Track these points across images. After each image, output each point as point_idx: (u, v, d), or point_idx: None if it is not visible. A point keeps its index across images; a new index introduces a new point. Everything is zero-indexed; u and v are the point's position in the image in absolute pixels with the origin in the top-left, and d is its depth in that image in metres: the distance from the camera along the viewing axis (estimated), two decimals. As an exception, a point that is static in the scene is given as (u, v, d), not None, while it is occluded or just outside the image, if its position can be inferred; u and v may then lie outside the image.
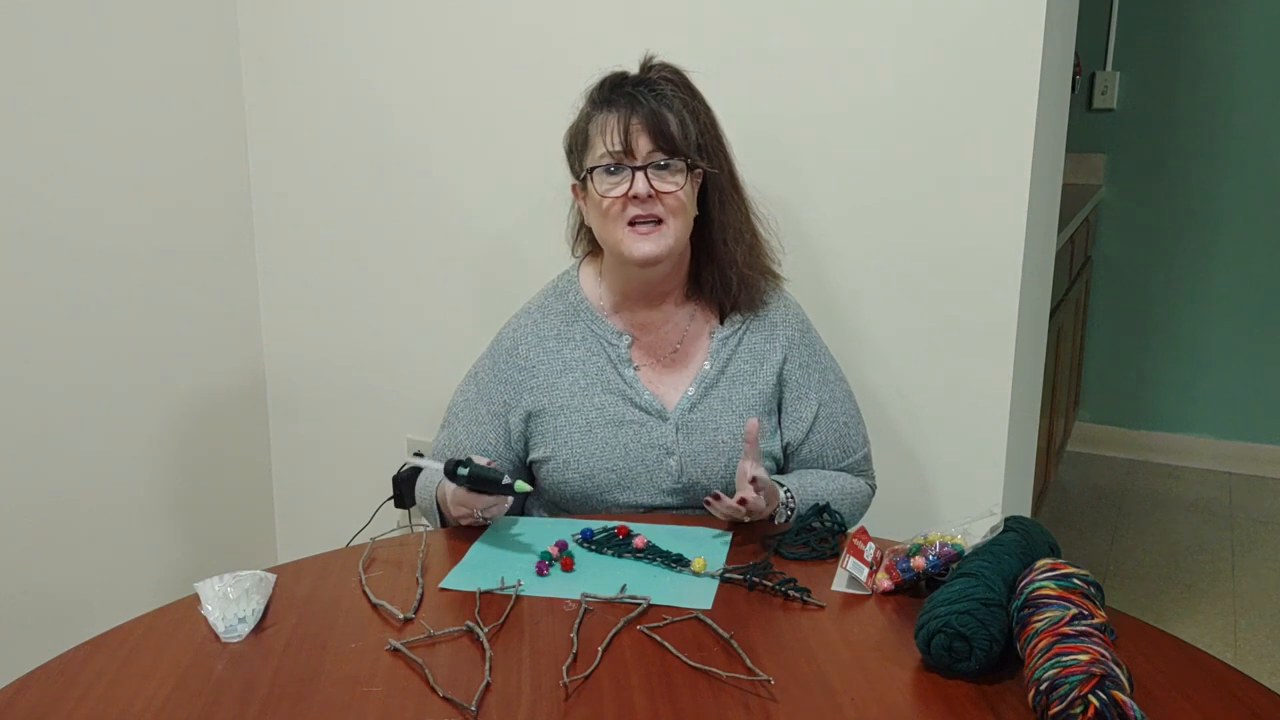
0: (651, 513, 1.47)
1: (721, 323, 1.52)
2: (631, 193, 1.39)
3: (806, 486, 1.46)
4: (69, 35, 1.85)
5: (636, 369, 1.49)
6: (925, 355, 1.78)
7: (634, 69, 1.47)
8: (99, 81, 1.91)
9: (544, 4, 1.91)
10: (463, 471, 1.29)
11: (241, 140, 2.20)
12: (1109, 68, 3.55)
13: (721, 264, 1.48)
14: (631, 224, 1.40)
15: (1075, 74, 3.47)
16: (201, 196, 2.13)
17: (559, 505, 1.51)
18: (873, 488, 1.60)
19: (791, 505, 1.42)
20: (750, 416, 1.46)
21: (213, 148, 2.15)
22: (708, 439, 1.46)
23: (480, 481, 1.29)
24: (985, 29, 1.64)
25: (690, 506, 1.47)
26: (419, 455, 1.37)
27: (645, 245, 1.40)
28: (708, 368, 1.49)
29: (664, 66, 1.47)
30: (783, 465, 1.54)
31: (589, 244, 1.56)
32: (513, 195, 2.02)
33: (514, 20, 1.94)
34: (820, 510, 1.38)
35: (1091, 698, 0.91)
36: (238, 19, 2.15)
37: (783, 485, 1.43)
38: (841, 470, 1.55)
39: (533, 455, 1.50)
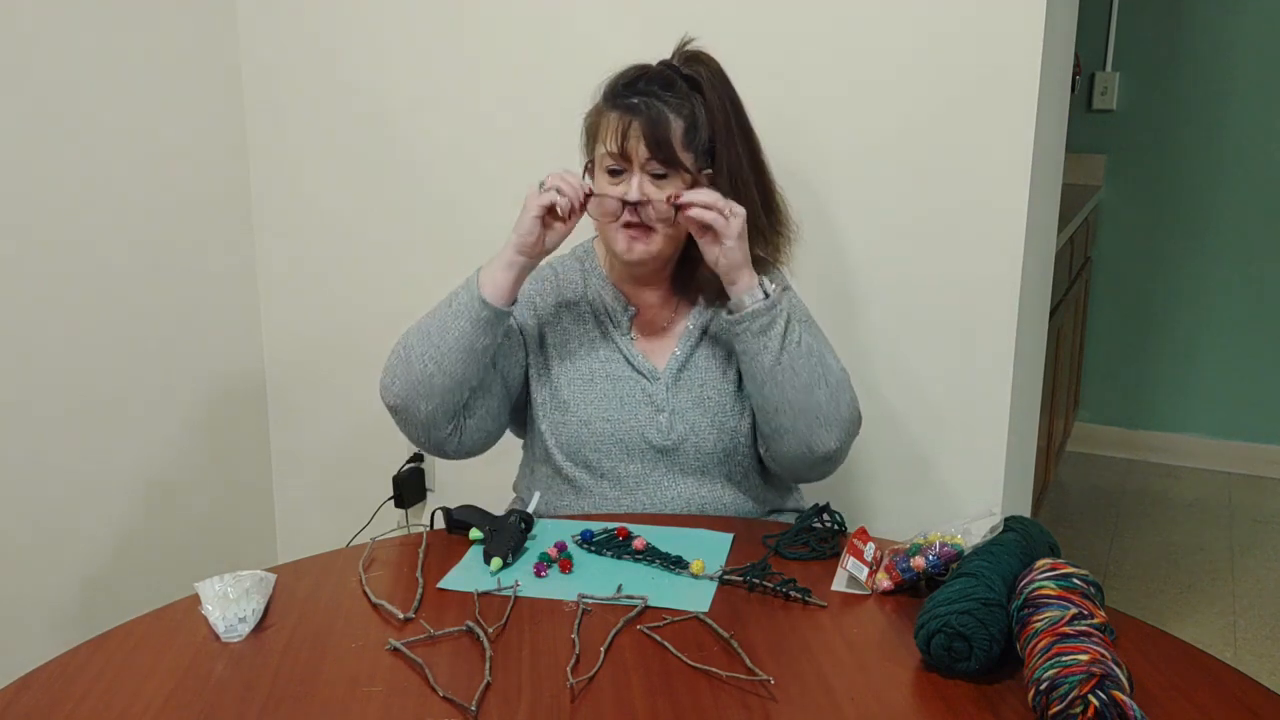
0: (644, 477, 1.48)
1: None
2: (625, 198, 1.42)
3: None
4: (69, 28, 1.85)
5: (633, 338, 1.54)
6: (925, 355, 1.78)
7: (664, 53, 1.48)
8: (96, 71, 1.91)
9: None
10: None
11: (241, 138, 2.20)
12: (1109, 68, 3.55)
13: (693, 261, 1.50)
14: (624, 225, 1.44)
15: (1075, 74, 3.47)
16: (200, 197, 2.13)
17: (552, 457, 1.52)
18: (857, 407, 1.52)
19: (772, 285, 1.42)
20: (731, 373, 1.50)
21: (211, 145, 2.14)
22: (694, 395, 1.50)
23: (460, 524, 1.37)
24: (985, 29, 1.64)
25: (680, 465, 1.48)
26: None
27: (635, 247, 1.44)
28: (690, 327, 1.53)
29: (693, 56, 1.47)
30: None
31: None
32: (517, 192, 2.02)
33: (514, 10, 1.94)
34: (820, 510, 1.38)
35: (1091, 697, 0.91)
36: (236, 9, 2.15)
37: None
38: None
39: (535, 382, 1.53)
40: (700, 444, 1.49)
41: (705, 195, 1.38)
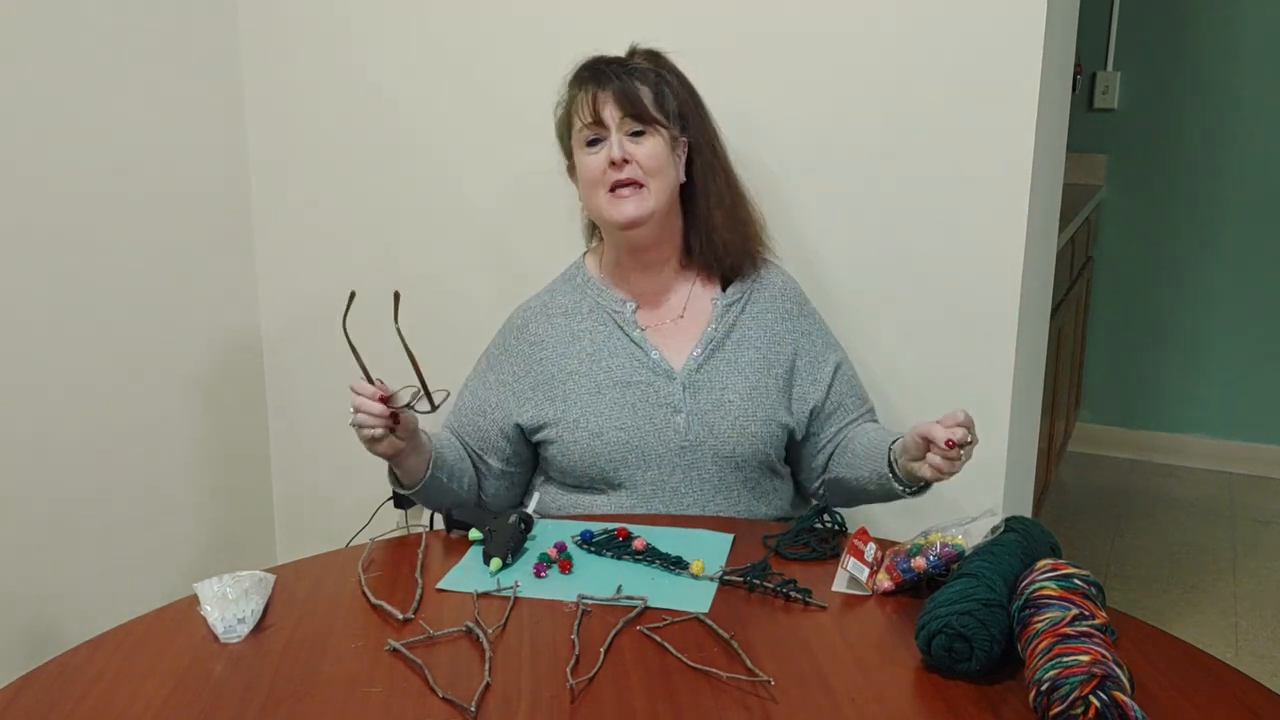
0: (661, 483, 1.48)
1: (724, 290, 1.56)
2: (609, 159, 1.44)
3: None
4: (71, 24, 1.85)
5: (643, 330, 1.52)
6: (926, 355, 1.78)
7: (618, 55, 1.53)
8: (94, 49, 1.91)
9: None
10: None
11: (240, 129, 2.19)
12: (1109, 68, 3.54)
13: (705, 228, 1.53)
14: (612, 190, 1.45)
15: (1076, 74, 3.46)
16: (198, 187, 2.13)
17: (568, 479, 1.51)
18: None
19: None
20: (754, 379, 1.50)
21: (210, 135, 2.14)
22: (714, 398, 1.48)
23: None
24: (986, 29, 1.64)
25: (697, 469, 1.48)
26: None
27: (626, 207, 1.45)
28: (713, 329, 1.52)
29: (645, 52, 1.54)
30: (807, 429, 1.56)
31: (599, 234, 1.60)
32: (521, 196, 2.02)
33: (513, 8, 1.94)
34: (820, 510, 1.38)
35: (1092, 698, 0.91)
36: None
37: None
38: (861, 418, 1.58)
39: (543, 419, 1.51)
40: (719, 448, 1.47)
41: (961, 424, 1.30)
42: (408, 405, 1.34)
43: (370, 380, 1.34)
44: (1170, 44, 3.45)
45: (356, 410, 1.33)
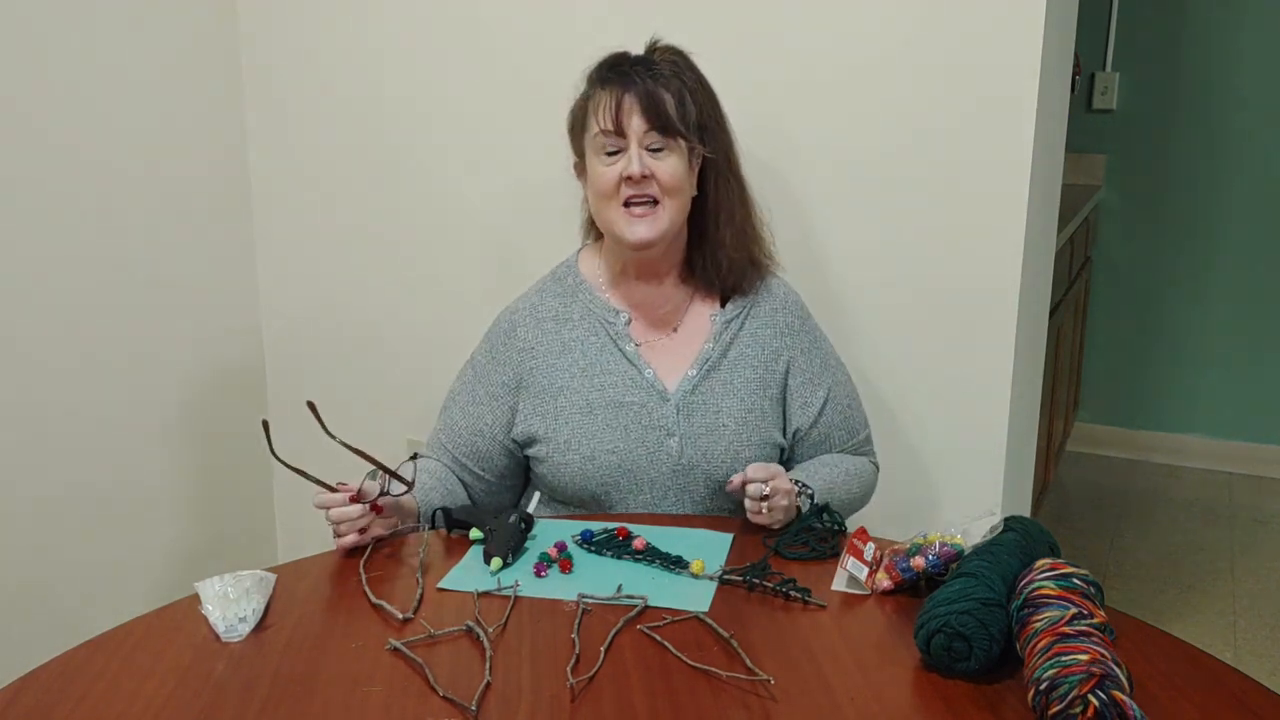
0: (653, 507, 1.46)
1: (722, 306, 1.52)
2: (625, 173, 1.39)
3: (814, 474, 1.47)
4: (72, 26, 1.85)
5: (637, 345, 1.48)
6: (925, 355, 1.78)
7: (638, 52, 1.48)
8: (94, 49, 1.91)
9: None
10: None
11: (240, 129, 2.19)
12: (1109, 68, 3.55)
13: (712, 245, 1.49)
14: (626, 204, 1.40)
15: (1075, 74, 3.46)
16: (198, 188, 2.13)
17: (558, 497, 1.50)
18: (876, 466, 1.62)
19: (808, 491, 1.41)
20: (749, 400, 1.47)
21: (210, 136, 2.14)
22: (708, 421, 1.45)
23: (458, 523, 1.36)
24: (985, 29, 1.64)
25: (690, 493, 1.46)
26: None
27: (639, 228, 1.40)
28: (710, 348, 1.49)
29: (667, 48, 1.47)
30: (789, 451, 1.54)
31: (597, 232, 1.56)
32: (520, 195, 2.02)
33: (511, 7, 1.94)
34: (820, 510, 1.38)
35: (1091, 697, 0.91)
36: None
37: (793, 480, 1.41)
38: (846, 451, 1.56)
39: (532, 434, 1.48)
40: (712, 472, 1.44)
41: (756, 477, 1.33)
42: (384, 491, 1.33)
43: (331, 488, 1.31)
44: (1169, 44, 3.45)
45: (337, 523, 1.30)
